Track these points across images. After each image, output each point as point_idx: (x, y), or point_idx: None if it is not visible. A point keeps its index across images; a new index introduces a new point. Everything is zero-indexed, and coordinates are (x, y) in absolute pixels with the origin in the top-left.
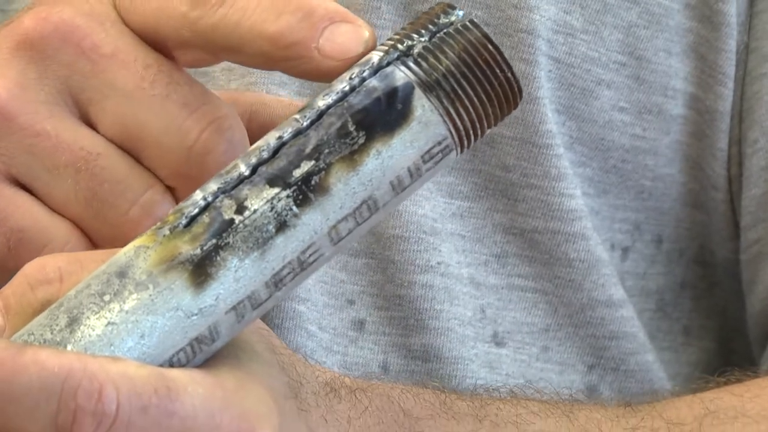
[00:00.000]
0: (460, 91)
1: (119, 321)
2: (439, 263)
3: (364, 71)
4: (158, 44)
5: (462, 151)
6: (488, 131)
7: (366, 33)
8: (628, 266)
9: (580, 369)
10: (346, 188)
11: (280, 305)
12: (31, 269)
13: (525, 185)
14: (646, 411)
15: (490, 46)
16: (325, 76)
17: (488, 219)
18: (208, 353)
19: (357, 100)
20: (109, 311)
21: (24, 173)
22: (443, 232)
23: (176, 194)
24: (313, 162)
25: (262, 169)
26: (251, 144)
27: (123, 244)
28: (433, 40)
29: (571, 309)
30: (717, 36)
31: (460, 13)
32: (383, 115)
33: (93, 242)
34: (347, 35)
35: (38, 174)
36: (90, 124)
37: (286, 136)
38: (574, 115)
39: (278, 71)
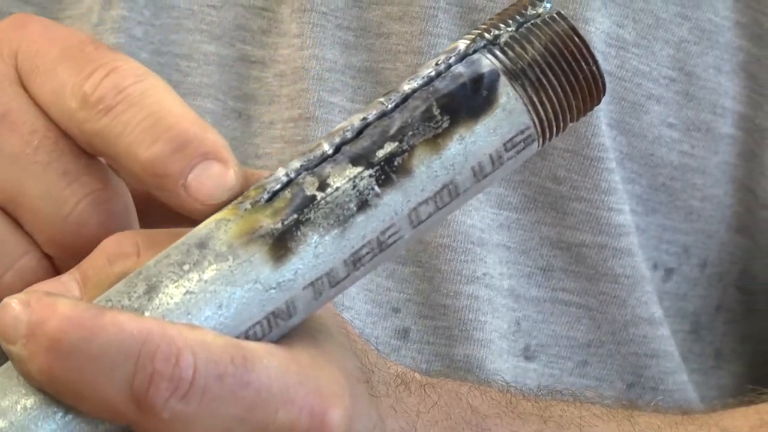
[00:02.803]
0: (545, 81)
1: (197, 290)
2: (484, 274)
3: (450, 57)
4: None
5: (544, 143)
6: (570, 125)
7: (232, 179)
8: (670, 287)
9: (619, 386)
10: (429, 171)
11: None
12: (108, 243)
13: (574, 198)
14: (703, 419)
15: (576, 39)
16: (191, 215)
17: (536, 231)
18: (284, 329)
19: (443, 85)
20: (188, 280)
21: None
22: (490, 242)
23: (54, 263)
24: (396, 143)
25: (346, 148)
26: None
27: None
28: (520, 30)
29: (614, 325)
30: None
31: (548, 5)
32: (468, 101)
33: None
34: (214, 179)
35: None
36: None
37: (371, 117)
38: (624, 129)
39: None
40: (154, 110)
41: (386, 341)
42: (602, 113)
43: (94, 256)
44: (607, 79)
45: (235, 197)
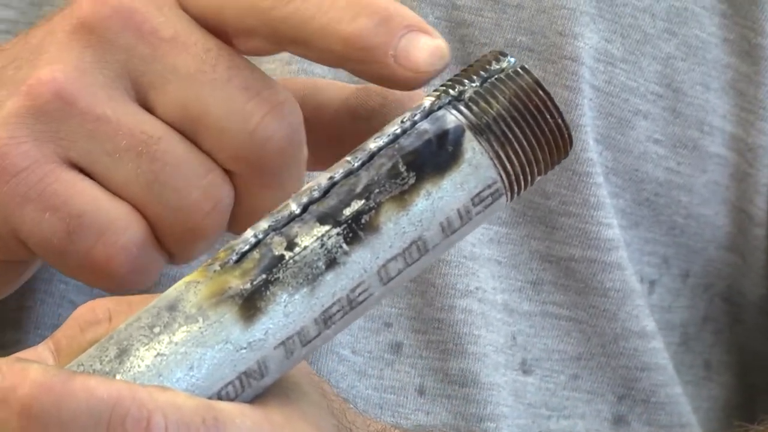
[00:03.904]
0: (510, 135)
1: (168, 352)
2: (477, 288)
3: (415, 115)
4: (217, 30)
5: (512, 198)
6: (538, 178)
7: (444, 46)
8: (655, 299)
9: (610, 399)
10: (396, 227)
11: None
12: (81, 311)
13: (563, 213)
14: None
15: (540, 92)
16: (397, 85)
17: (525, 246)
18: (257, 389)
19: (408, 142)
20: (159, 343)
21: (84, 157)
22: (481, 257)
23: (233, 179)
24: (363, 201)
25: (313, 207)
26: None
27: (182, 229)
28: (485, 85)
29: (604, 339)
30: (756, 70)
31: (512, 59)
32: (434, 157)
33: (152, 226)
34: (426, 47)
35: (98, 158)
36: (147, 108)
37: (337, 176)
38: (610, 144)
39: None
40: None
41: (379, 356)
42: (589, 128)
43: (67, 325)
44: (594, 94)
45: (446, 67)
